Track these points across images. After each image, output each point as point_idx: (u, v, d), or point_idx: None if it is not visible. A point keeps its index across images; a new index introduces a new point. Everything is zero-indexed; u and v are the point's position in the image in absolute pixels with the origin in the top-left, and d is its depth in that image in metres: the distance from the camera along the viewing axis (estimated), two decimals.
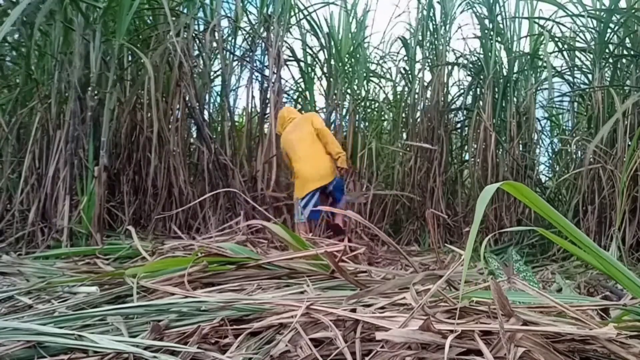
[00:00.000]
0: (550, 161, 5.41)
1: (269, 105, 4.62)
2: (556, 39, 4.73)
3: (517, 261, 3.11)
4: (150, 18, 4.40)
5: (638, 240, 3.53)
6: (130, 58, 4.23)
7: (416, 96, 5.20)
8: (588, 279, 2.53)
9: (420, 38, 5.18)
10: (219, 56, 4.65)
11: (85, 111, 3.36)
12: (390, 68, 5.95)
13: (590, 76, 4.30)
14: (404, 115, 5.48)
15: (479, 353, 0.94)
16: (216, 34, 4.36)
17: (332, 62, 5.15)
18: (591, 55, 4.19)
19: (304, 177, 3.86)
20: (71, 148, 3.22)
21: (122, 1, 3.26)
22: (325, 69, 5.23)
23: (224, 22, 4.76)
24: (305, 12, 5.04)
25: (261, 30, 4.54)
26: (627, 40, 4.12)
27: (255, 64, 4.76)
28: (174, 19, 4.00)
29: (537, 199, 1.13)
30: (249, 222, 2.59)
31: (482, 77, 4.84)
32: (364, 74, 5.42)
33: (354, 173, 4.67)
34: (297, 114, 4.26)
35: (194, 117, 4.16)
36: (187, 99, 4.13)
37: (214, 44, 4.40)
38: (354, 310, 1.18)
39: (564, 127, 5.48)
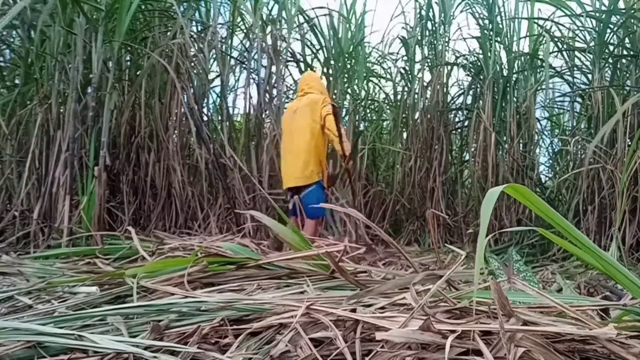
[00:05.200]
0: (550, 161, 5.41)
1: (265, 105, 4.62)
2: (555, 39, 4.74)
3: (517, 261, 3.11)
4: (146, 19, 4.39)
5: (638, 240, 3.53)
6: (129, 58, 4.22)
7: (416, 96, 5.20)
8: (588, 279, 2.53)
9: (419, 38, 5.19)
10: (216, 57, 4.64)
11: (85, 111, 3.36)
12: (390, 68, 5.96)
13: (590, 76, 4.30)
14: (404, 115, 5.48)
15: (479, 353, 0.94)
16: (212, 36, 4.35)
17: (332, 62, 5.15)
18: (591, 56, 4.19)
19: (282, 172, 3.59)
20: (72, 148, 3.21)
21: (123, 1, 3.26)
22: (325, 69, 5.22)
23: (220, 21, 4.75)
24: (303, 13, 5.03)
25: (257, 31, 4.53)
26: (627, 40, 4.12)
27: (253, 64, 4.75)
28: (169, 20, 4.01)
29: (539, 202, 1.13)
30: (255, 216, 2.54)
31: (481, 77, 4.84)
32: (364, 74, 5.42)
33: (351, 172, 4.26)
34: (312, 87, 3.54)
35: (192, 118, 4.15)
36: (185, 99, 4.13)
37: (211, 46, 4.39)
38: (354, 311, 1.18)
39: (564, 127, 5.47)
